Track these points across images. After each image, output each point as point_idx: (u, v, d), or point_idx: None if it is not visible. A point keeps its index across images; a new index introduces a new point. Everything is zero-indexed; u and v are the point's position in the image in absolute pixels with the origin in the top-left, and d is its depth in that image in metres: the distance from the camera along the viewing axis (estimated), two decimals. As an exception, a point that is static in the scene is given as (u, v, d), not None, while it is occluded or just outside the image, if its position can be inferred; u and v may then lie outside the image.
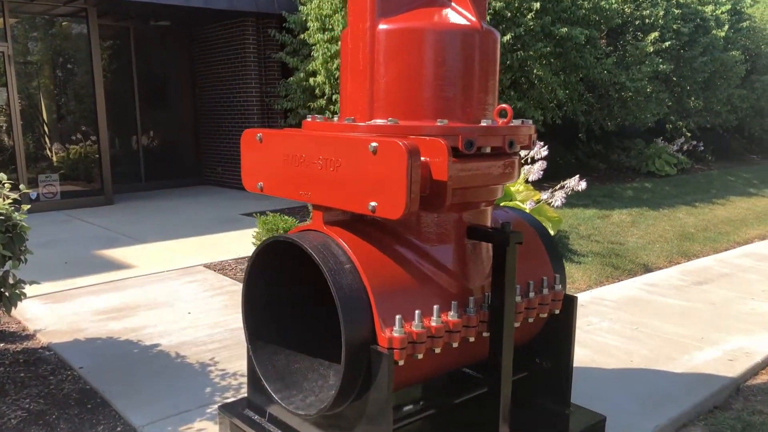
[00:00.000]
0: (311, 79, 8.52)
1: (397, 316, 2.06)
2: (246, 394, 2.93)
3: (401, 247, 2.28)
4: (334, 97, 8.32)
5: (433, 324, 2.14)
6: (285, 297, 2.56)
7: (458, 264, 2.33)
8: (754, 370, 3.60)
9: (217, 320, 4.24)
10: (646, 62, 9.97)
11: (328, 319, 2.61)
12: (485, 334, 2.34)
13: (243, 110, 10.30)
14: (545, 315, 2.57)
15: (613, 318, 4.39)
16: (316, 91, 8.58)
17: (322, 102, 8.57)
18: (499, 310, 2.29)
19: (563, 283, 2.64)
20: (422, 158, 2.00)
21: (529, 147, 2.35)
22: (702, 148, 13.08)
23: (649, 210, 8.40)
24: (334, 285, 2.06)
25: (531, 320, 2.51)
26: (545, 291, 2.53)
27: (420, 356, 2.12)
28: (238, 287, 5.00)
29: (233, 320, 4.23)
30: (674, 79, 11.44)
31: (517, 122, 2.29)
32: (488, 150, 2.20)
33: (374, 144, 1.98)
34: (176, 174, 11.21)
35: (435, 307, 2.15)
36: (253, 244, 5.68)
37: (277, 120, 10.20)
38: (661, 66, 10.06)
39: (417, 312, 2.10)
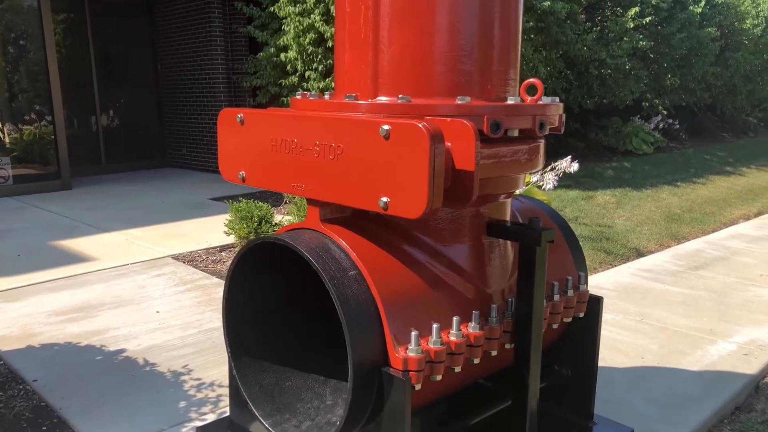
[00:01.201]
0: (282, 55, 8.06)
1: (413, 332, 1.73)
2: (226, 411, 2.59)
3: (411, 248, 1.94)
4: (307, 73, 7.89)
5: (453, 339, 1.81)
6: (272, 305, 2.21)
7: (477, 266, 2.01)
8: (771, 365, 3.38)
9: (190, 320, 3.85)
10: (626, 38, 9.74)
11: (321, 328, 2.27)
12: (508, 346, 2.03)
13: (209, 87, 9.77)
14: (569, 319, 2.26)
15: (615, 309, 4.13)
16: (288, 67, 8.12)
17: (295, 79, 8.12)
18: (526, 319, 1.97)
19: (586, 282, 2.34)
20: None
21: (558, 129, 2.02)
22: (677, 126, 12.98)
23: (632, 190, 8.21)
24: (337, 297, 1.71)
25: (555, 326, 2.21)
26: (570, 293, 2.22)
27: (438, 377, 1.79)
28: (211, 281, 4.61)
29: (207, 319, 3.85)
30: (651, 56, 11.25)
31: (546, 100, 1.95)
32: (516, 133, 1.87)
33: (386, 127, 1.62)
34: (138, 156, 10.64)
35: (455, 318, 1.82)
36: (225, 233, 5.28)
37: (245, 98, 9.71)
38: (641, 42, 9.83)
39: (435, 326, 1.77)
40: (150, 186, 8.95)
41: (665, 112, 12.46)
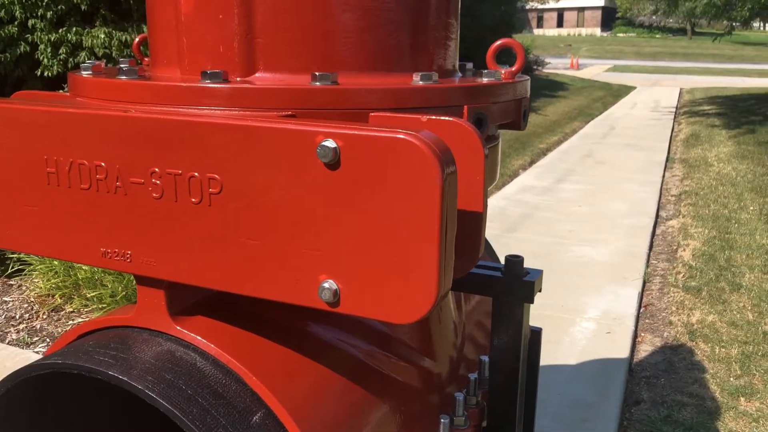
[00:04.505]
0: (-9, -3, 6.18)
1: (383, 506, 0.96)
2: None
3: (334, 335, 1.14)
4: (30, 22, 6.16)
5: (425, 478, 1.08)
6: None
7: (427, 340, 1.29)
8: (633, 341, 3.23)
9: None
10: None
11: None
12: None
13: None
14: (515, 369, 1.66)
15: (460, 294, 3.73)
16: (1, 13, 6.26)
17: (13, 29, 6.29)
18: (507, 400, 1.32)
19: (520, 311, 1.76)
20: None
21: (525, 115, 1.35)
22: (437, 77, 13.35)
23: (418, 147, 8.03)
24: (244, 482, 0.86)
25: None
26: (514, 334, 1.62)
27: None
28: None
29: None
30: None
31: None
32: (495, 130, 1.15)
33: (330, 143, 0.78)
34: None
35: (425, 445, 1.09)
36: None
37: (-60, 54, 7.42)
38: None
39: (406, 474, 1.02)
40: None
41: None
